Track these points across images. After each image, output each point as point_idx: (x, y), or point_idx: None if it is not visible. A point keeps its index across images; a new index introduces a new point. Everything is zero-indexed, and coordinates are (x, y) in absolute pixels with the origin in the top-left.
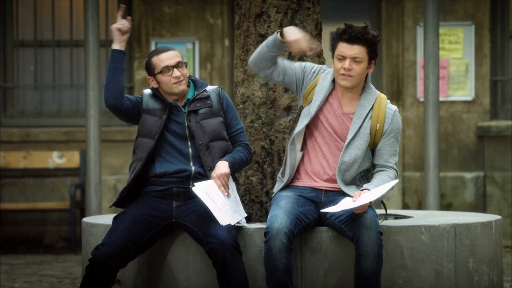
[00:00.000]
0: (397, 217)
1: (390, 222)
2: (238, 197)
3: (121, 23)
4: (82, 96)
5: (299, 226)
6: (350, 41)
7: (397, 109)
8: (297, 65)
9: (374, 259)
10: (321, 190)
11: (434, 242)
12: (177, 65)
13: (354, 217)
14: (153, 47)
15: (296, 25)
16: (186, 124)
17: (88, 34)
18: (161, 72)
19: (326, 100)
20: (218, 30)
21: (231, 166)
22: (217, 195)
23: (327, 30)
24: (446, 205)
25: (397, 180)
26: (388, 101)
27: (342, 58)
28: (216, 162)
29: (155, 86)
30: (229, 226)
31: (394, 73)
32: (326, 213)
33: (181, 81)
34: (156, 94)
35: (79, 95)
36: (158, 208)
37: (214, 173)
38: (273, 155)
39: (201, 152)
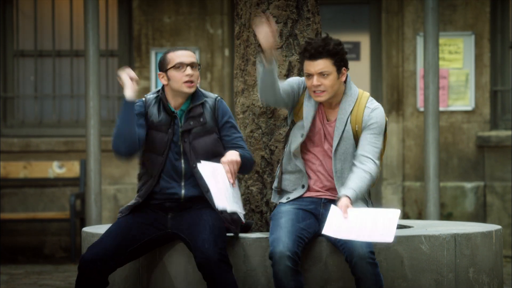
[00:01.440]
0: (397, 227)
1: None
2: (240, 195)
3: (129, 71)
4: (82, 106)
5: (302, 244)
6: (312, 58)
7: (378, 106)
8: (290, 81)
9: (371, 279)
10: (320, 200)
11: (434, 252)
12: (192, 65)
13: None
14: (153, 57)
15: (296, 35)
16: (180, 140)
17: (88, 44)
18: (174, 66)
19: (316, 113)
20: (218, 40)
21: (241, 157)
22: (221, 178)
23: None
24: (446, 215)
25: (398, 211)
26: (371, 98)
27: (310, 75)
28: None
29: (165, 83)
30: (216, 238)
31: (394, 83)
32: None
33: (192, 81)
34: (162, 100)
35: (79, 105)
36: (154, 218)
37: (224, 158)
38: (273, 164)
39: (196, 174)
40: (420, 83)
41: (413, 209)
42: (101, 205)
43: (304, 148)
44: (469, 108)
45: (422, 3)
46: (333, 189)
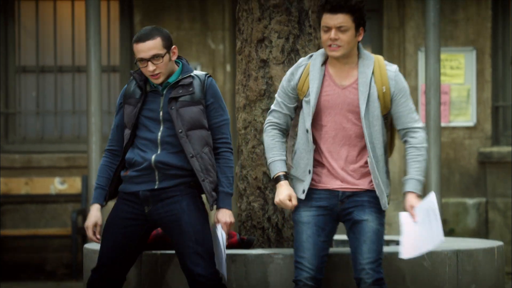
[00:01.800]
0: (399, 243)
1: (392, 248)
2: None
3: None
4: (84, 122)
5: (325, 260)
6: (332, 11)
7: (397, 68)
8: (287, 98)
9: None
10: (337, 193)
11: (436, 269)
12: (153, 57)
13: (352, 247)
14: None
15: (297, 50)
16: (160, 108)
17: (90, 60)
18: (137, 62)
19: (322, 83)
20: (219, 56)
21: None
22: (219, 241)
23: None
24: (448, 231)
25: (433, 195)
26: (386, 62)
27: (327, 29)
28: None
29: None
30: (204, 253)
31: None
32: (349, 219)
33: (156, 74)
34: (136, 78)
35: (81, 121)
36: (133, 213)
37: (223, 219)
38: None
39: (181, 139)
40: (421, 99)
41: None
42: (103, 221)
43: (323, 116)
44: (470, 123)
45: (423, 19)
46: (350, 161)
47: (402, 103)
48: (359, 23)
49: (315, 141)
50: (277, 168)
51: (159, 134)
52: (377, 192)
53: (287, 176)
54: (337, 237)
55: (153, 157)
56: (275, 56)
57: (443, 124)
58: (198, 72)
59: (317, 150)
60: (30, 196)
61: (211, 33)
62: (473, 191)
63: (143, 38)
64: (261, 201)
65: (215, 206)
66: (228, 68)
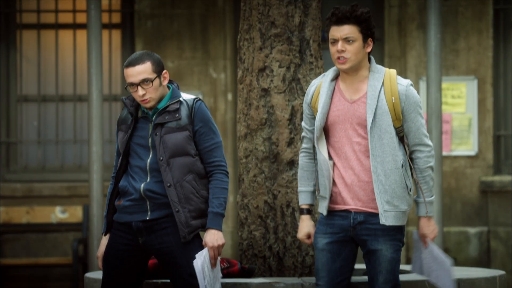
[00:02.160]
0: (401, 272)
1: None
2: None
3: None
4: (85, 151)
5: (345, 284)
6: (338, 23)
7: (410, 83)
8: (307, 120)
9: None
10: (350, 217)
11: None
12: (142, 82)
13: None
14: None
15: (298, 79)
16: (149, 134)
17: (91, 89)
18: (127, 87)
19: (332, 99)
20: (221, 85)
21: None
22: (207, 268)
23: None
24: None
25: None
26: (399, 76)
27: (334, 41)
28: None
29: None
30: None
31: None
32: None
33: (146, 99)
34: (126, 104)
35: (82, 150)
36: (128, 244)
37: (210, 243)
38: (276, 209)
39: (161, 167)
40: None
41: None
42: None
43: (334, 131)
44: (472, 153)
45: (424, 48)
46: (361, 180)
47: (412, 118)
48: (366, 34)
49: (331, 158)
50: (301, 200)
51: (148, 161)
52: (379, 208)
53: (310, 210)
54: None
55: (142, 185)
56: (276, 85)
57: (444, 153)
58: (187, 96)
59: (335, 167)
60: (31, 225)
61: (212, 62)
62: (475, 220)
63: (132, 63)
64: (262, 230)
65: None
66: (230, 97)
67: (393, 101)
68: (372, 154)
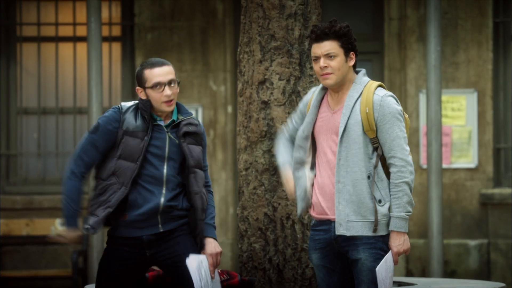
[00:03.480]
0: (400, 284)
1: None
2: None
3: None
4: None
5: None
6: (318, 39)
7: (389, 94)
8: (296, 117)
9: None
10: (331, 229)
11: None
12: (170, 83)
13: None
14: None
15: (298, 92)
16: (166, 145)
17: (91, 101)
18: (151, 87)
19: (319, 109)
20: (221, 97)
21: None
22: (205, 273)
23: None
24: (450, 273)
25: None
26: (380, 88)
27: (316, 58)
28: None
29: (144, 97)
30: None
31: None
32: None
33: (171, 100)
34: (143, 110)
35: None
36: (135, 258)
37: (209, 250)
38: (276, 222)
39: (190, 175)
40: (423, 140)
41: (416, 266)
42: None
43: (318, 143)
44: (472, 165)
45: (424, 61)
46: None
47: (386, 129)
48: (347, 48)
49: (314, 168)
50: (281, 162)
51: (165, 171)
52: (336, 218)
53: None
54: None
55: (162, 199)
56: (276, 97)
57: (444, 166)
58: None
59: (315, 177)
60: (30, 237)
61: (212, 75)
62: (475, 232)
63: (159, 63)
64: (262, 242)
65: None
66: (230, 109)
67: (367, 111)
68: (339, 164)
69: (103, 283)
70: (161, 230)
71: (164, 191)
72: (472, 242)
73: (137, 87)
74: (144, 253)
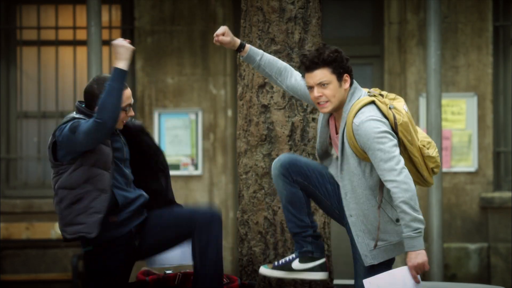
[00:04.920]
0: None
1: None
2: None
3: (125, 43)
4: None
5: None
6: (309, 69)
7: (364, 119)
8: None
9: None
10: None
11: None
12: (130, 104)
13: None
14: (156, 118)
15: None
16: (123, 146)
17: None
18: (123, 108)
19: (329, 123)
20: (221, 101)
21: None
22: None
23: None
24: (450, 276)
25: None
26: (361, 111)
27: (311, 88)
28: None
29: None
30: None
31: None
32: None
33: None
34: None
35: None
36: (129, 253)
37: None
38: (276, 225)
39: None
40: None
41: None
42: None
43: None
44: (472, 169)
45: (424, 65)
46: None
47: (370, 156)
48: (339, 72)
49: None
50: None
51: (128, 172)
52: (360, 251)
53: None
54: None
55: (143, 193)
56: (276, 101)
57: (444, 170)
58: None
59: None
60: (30, 241)
61: (212, 79)
62: (475, 236)
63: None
64: (262, 246)
65: None
66: (230, 113)
67: (352, 143)
68: (346, 199)
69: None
70: (145, 217)
71: (133, 188)
72: (472, 246)
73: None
74: (133, 244)
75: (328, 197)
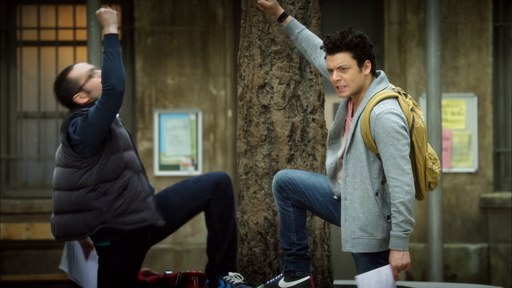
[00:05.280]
0: None
1: None
2: None
3: (109, 10)
4: None
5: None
6: (331, 52)
7: (385, 110)
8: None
9: None
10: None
11: None
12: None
13: None
14: (156, 118)
15: (298, 96)
16: (126, 133)
17: None
18: (90, 76)
19: (347, 110)
20: (221, 101)
21: None
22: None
23: (330, 101)
24: (450, 277)
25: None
26: (385, 101)
27: (331, 70)
28: None
29: (86, 99)
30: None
31: None
32: None
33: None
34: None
35: None
36: (140, 252)
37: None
38: (276, 226)
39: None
40: None
41: (416, 270)
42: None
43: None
44: (472, 169)
45: (424, 65)
46: None
47: (381, 149)
48: (360, 58)
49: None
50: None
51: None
52: (342, 235)
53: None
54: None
55: (151, 184)
56: (276, 102)
57: (444, 170)
58: None
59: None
60: (31, 241)
61: (212, 79)
62: (475, 236)
63: (75, 64)
64: (262, 246)
65: None
66: (230, 113)
67: (364, 129)
68: (346, 181)
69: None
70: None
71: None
72: (472, 247)
73: (74, 96)
74: (146, 237)
75: (324, 208)
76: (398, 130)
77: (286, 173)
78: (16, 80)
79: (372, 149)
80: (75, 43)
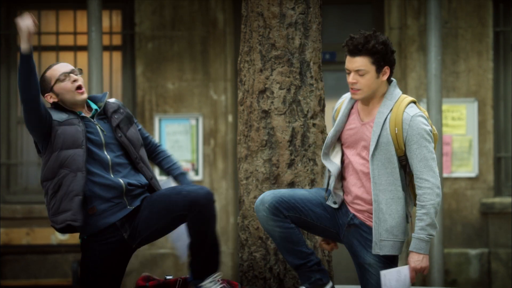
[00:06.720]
0: None
1: None
2: None
3: (28, 20)
4: None
5: (285, 205)
6: (351, 54)
7: (419, 113)
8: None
9: None
10: (348, 214)
11: None
12: (73, 72)
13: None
14: (156, 123)
15: (299, 101)
16: (99, 132)
17: None
18: (58, 80)
19: (348, 116)
20: (221, 106)
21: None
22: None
23: (330, 106)
24: (450, 282)
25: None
26: (412, 104)
27: (348, 71)
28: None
29: (55, 100)
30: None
31: None
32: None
33: (82, 87)
34: (61, 107)
35: None
36: (115, 250)
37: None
38: None
39: (138, 164)
40: None
41: (417, 275)
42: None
43: (346, 148)
44: (472, 174)
45: (425, 70)
46: (360, 198)
47: (413, 150)
48: (380, 65)
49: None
50: None
51: (108, 156)
52: (373, 238)
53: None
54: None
55: (121, 180)
56: (276, 106)
57: (445, 175)
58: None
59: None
60: (31, 246)
61: (213, 84)
62: (476, 241)
63: (56, 64)
64: (263, 251)
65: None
66: (230, 118)
67: (396, 131)
68: (374, 182)
69: (92, 283)
70: (130, 209)
71: (116, 173)
72: (472, 252)
73: (45, 95)
74: (122, 237)
75: (321, 220)
76: (429, 133)
77: (273, 193)
78: (16, 85)
79: (398, 151)
80: (75, 48)
